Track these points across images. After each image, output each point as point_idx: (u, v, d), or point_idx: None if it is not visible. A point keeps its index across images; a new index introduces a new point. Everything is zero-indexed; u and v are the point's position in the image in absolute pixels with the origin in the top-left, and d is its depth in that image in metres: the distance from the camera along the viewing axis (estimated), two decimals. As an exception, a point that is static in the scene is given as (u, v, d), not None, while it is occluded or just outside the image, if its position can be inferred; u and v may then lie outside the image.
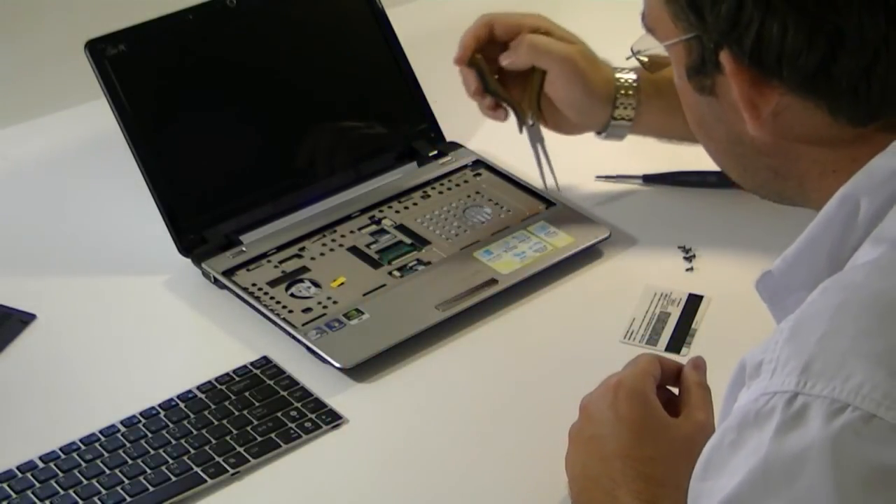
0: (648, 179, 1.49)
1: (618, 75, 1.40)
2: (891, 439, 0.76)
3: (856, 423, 0.77)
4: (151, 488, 1.12)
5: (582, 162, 1.52)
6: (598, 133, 1.43)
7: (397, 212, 1.44)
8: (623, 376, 1.07)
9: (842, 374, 0.78)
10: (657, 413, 1.05)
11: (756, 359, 0.83)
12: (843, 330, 0.80)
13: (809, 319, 0.83)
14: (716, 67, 0.88)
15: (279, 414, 1.20)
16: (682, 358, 1.18)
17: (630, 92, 1.39)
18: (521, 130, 1.43)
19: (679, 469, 1.03)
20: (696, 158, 1.48)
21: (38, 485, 1.13)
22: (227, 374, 1.24)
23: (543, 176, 1.44)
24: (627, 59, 1.07)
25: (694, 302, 1.32)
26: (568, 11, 1.82)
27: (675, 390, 1.10)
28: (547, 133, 1.48)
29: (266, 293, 1.33)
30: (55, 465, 1.14)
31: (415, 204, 1.45)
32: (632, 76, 1.40)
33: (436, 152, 1.51)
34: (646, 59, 1.04)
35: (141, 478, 1.13)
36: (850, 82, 0.85)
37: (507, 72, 1.41)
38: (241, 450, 1.16)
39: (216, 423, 1.19)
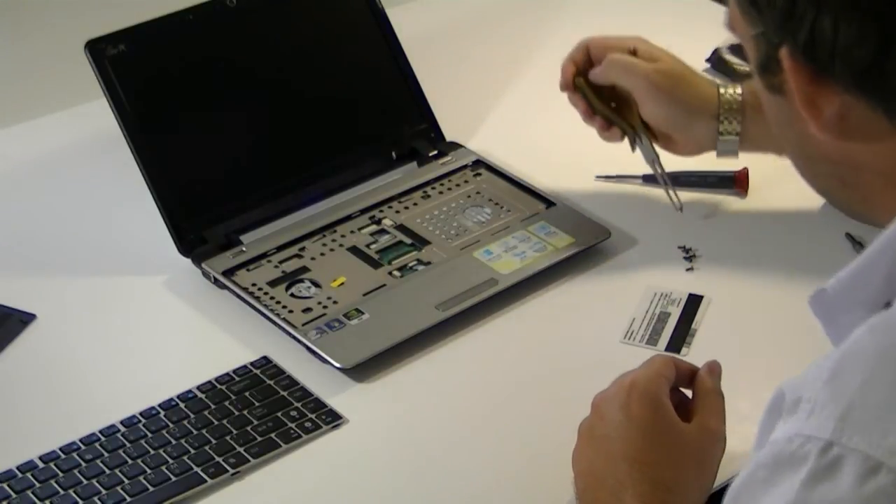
0: (648, 179, 1.49)
1: (722, 90, 1.38)
2: None
3: (889, 488, 0.74)
4: (151, 488, 1.12)
5: (582, 162, 1.52)
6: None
7: (397, 212, 1.44)
8: (637, 377, 1.06)
9: (880, 428, 0.76)
10: (669, 417, 1.05)
11: (795, 393, 0.81)
12: (884, 378, 0.78)
13: (852, 361, 0.80)
14: (780, 65, 0.85)
15: (279, 414, 1.20)
16: (682, 358, 1.18)
17: (734, 106, 1.38)
18: (633, 149, 1.42)
19: (687, 475, 1.02)
20: (695, 158, 1.48)
21: (38, 485, 1.12)
22: (227, 374, 1.24)
23: (669, 195, 1.43)
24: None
25: (694, 302, 1.32)
26: (569, 10, 1.82)
27: (689, 392, 1.10)
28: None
29: (266, 293, 1.33)
30: (55, 465, 1.14)
31: (415, 204, 1.45)
32: (737, 90, 1.38)
33: (436, 152, 1.51)
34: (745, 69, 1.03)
35: (141, 478, 1.13)
36: None
37: (618, 93, 1.41)
38: (241, 450, 1.16)
39: (216, 423, 1.19)
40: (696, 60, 1.68)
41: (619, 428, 1.04)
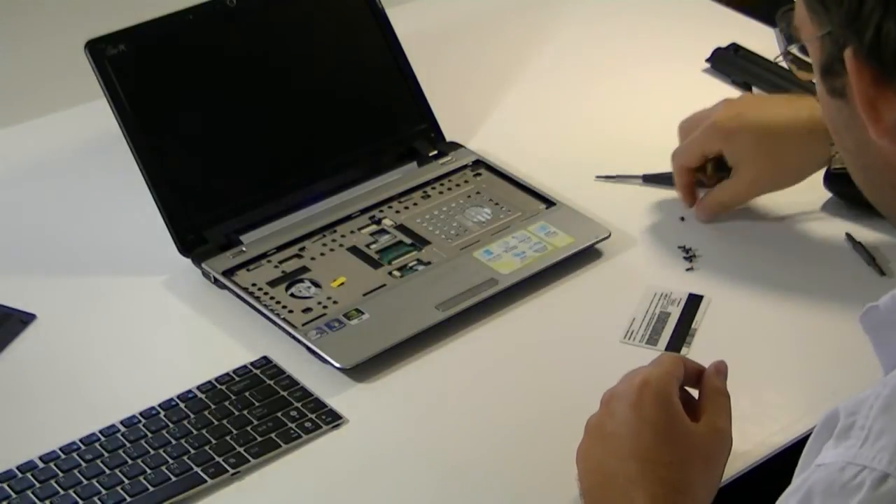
0: (648, 179, 1.49)
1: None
2: None
3: None
4: (151, 488, 1.12)
5: (582, 162, 1.52)
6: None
7: (397, 212, 1.44)
8: (648, 376, 1.06)
9: None
10: (679, 418, 1.04)
11: (849, 417, 0.80)
12: None
13: None
14: (843, 67, 0.84)
15: (279, 414, 1.20)
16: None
17: None
18: None
19: (697, 475, 1.02)
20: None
21: (38, 485, 1.12)
22: (227, 374, 1.24)
23: None
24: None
25: (694, 302, 1.32)
26: (569, 10, 1.82)
27: (694, 392, 1.10)
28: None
29: (266, 293, 1.33)
30: (55, 465, 1.14)
31: (415, 204, 1.45)
32: None
33: (436, 152, 1.51)
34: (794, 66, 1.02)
35: (141, 478, 1.13)
36: None
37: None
38: (241, 450, 1.16)
39: (216, 423, 1.19)
40: (697, 60, 1.69)
41: (629, 426, 1.04)
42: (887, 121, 0.83)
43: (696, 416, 1.06)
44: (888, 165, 0.86)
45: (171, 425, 1.18)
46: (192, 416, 1.19)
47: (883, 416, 0.78)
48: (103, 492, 1.12)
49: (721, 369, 1.10)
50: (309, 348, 1.26)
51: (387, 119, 1.51)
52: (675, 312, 1.31)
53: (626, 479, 1.02)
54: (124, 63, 1.37)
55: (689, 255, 1.38)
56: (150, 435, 1.17)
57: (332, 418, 1.19)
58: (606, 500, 1.03)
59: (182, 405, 1.20)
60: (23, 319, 1.32)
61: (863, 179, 0.92)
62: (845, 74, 0.84)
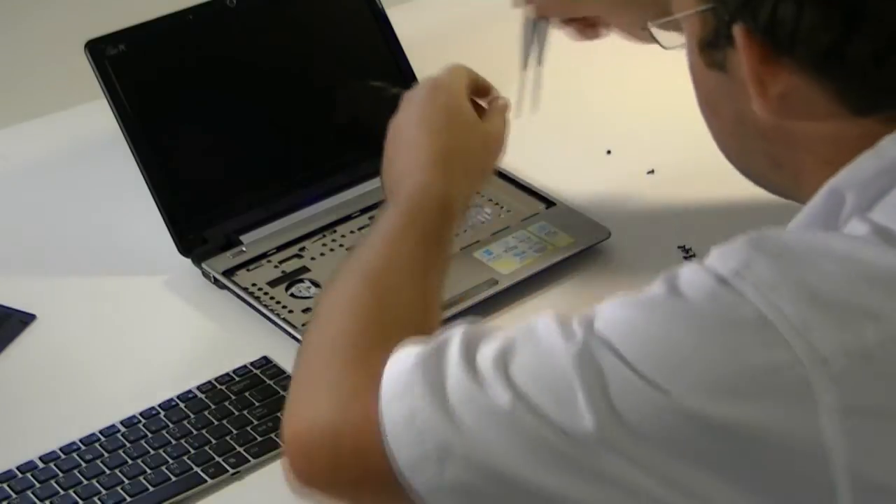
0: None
1: None
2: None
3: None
4: (151, 488, 1.12)
5: (582, 162, 1.52)
6: None
7: (397, 212, 1.43)
8: (439, 75, 1.22)
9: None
10: (466, 105, 1.19)
11: None
12: None
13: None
14: (728, 41, 0.87)
15: (279, 414, 1.20)
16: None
17: None
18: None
19: (476, 150, 1.18)
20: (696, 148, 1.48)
21: (38, 485, 1.12)
22: (227, 374, 1.24)
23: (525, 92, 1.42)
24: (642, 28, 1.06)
25: (694, 302, 1.32)
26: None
27: (483, 103, 1.23)
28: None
29: (266, 293, 1.33)
30: (55, 465, 1.14)
31: (415, 204, 1.45)
32: None
33: (436, 152, 1.51)
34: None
35: (141, 478, 1.13)
36: (860, 66, 0.84)
37: None
38: (241, 450, 1.16)
39: (216, 423, 1.19)
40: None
41: (421, 105, 1.19)
42: (771, 94, 0.87)
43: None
44: (764, 135, 0.91)
45: (171, 425, 1.18)
46: (192, 416, 1.19)
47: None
48: (103, 492, 1.12)
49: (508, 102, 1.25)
50: (309, 348, 1.26)
51: (387, 119, 1.51)
52: (675, 312, 1.30)
53: (414, 142, 1.16)
54: (124, 63, 1.37)
55: (689, 256, 1.38)
56: (150, 435, 1.17)
57: (332, 418, 1.19)
58: (398, 160, 1.18)
59: (182, 405, 1.20)
60: (23, 319, 1.32)
61: (735, 148, 0.96)
62: (727, 48, 0.88)
